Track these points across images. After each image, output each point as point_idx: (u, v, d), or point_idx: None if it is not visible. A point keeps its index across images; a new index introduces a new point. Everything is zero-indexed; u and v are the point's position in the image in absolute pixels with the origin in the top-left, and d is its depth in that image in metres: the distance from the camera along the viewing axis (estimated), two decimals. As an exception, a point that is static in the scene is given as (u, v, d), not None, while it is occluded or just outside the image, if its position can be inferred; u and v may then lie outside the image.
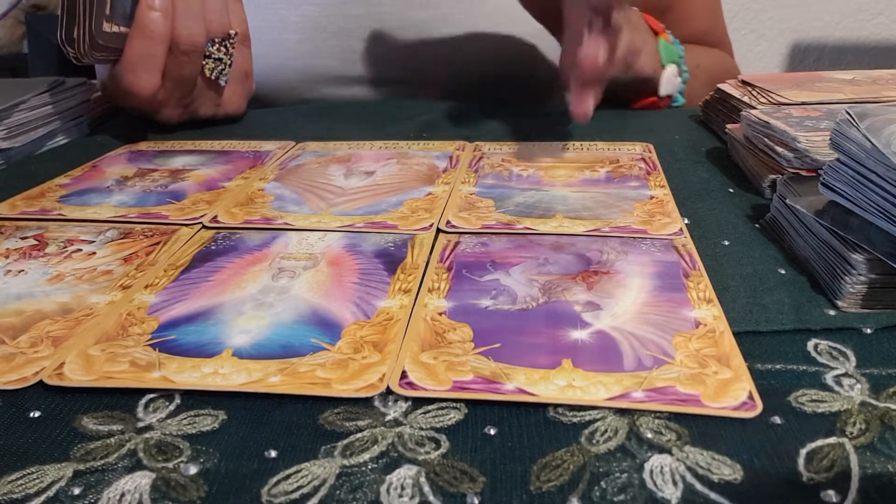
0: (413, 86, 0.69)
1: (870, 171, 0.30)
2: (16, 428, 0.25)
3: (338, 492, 0.21)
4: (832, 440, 0.23)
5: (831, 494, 0.21)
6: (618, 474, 0.22)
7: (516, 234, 0.37)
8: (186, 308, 0.31)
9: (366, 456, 0.23)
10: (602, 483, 0.21)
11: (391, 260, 0.35)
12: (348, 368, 0.26)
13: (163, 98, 0.54)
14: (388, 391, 0.25)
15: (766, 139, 0.42)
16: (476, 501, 0.21)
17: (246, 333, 0.29)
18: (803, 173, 0.39)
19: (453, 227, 0.38)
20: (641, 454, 0.22)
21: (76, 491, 0.22)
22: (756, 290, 0.32)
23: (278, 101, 0.70)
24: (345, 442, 0.23)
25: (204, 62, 0.54)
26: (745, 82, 0.53)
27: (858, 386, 0.25)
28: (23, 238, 0.39)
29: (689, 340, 0.28)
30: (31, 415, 0.25)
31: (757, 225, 0.38)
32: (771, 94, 0.49)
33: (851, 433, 0.23)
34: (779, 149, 0.40)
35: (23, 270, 0.35)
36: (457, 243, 0.36)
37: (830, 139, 0.33)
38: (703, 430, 0.23)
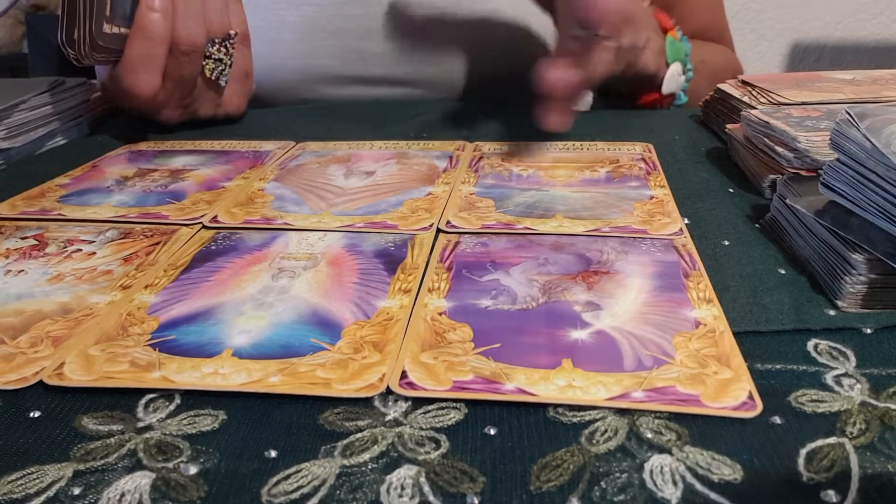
0: (413, 86, 0.69)
1: (870, 171, 0.30)
2: (16, 428, 0.25)
3: (338, 492, 0.21)
4: (832, 440, 0.23)
5: (831, 494, 0.21)
6: (618, 474, 0.22)
7: (516, 234, 0.37)
8: (186, 308, 0.31)
9: (366, 456, 0.23)
10: (602, 483, 0.21)
11: (391, 260, 0.35)
12: (348, 368, 0.26)
13: (163, 99, 0.54)
14: (388, 391, 0.25)
15: (766, 139, 0.42)
16: (476, 501, 0.21)
17: (246, 333, 0.29)
18: (803, 173, 0.39)
19: (453, 227, 0.38)
20: (641, 454, 0.22)
21: (76, 491, 0.22)
22: (756, 290, 0.32)
23: (277, 101, 0.69)
24: (345, 442, 0.23)
25: (204, 63, 0.54)
26: (745, 82, 0.53)
27: (858, 386, 0.25)
28: (23, 238, 0.39)
29: (689, 340, 0.28)
30: (31, 415, 0.25)
31: (757, 225, 0.38)
32: (771, 94, 0.49)
33: (851, 433, 0.23)
34: (779, 149, 0.40)
35: (23, 270, 0.35)
36: (457, 243, 0.36)
37: (830, 139, 0.33)
38: (703, 430, 0.23)
